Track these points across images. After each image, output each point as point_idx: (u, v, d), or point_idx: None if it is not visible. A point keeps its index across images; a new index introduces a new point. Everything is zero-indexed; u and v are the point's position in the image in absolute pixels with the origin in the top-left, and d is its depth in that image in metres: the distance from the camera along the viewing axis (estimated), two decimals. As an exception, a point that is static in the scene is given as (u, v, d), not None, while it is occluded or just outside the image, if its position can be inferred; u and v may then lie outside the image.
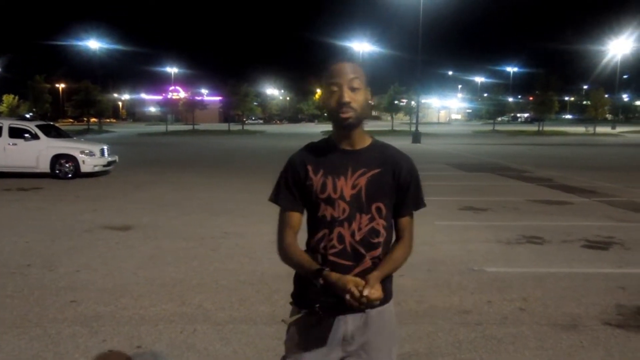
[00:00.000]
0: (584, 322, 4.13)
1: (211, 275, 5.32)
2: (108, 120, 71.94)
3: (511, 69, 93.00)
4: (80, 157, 13.27)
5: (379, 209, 1.79)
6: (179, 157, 21.54)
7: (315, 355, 1.78)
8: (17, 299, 4.64)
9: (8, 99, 48.99)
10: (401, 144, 25.65)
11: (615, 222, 8.05)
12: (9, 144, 13.22)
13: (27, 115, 43.49)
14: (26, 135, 13.35)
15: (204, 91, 64.64)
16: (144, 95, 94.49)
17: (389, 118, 56.57)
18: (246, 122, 58.14)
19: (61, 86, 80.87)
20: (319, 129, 46.41)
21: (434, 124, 74.84)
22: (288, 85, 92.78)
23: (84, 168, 13.28)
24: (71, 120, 64.82)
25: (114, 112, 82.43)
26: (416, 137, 31.62)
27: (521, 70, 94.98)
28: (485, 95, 64.46)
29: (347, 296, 1.60)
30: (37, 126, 13.80)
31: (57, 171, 13.20)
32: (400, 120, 61.70)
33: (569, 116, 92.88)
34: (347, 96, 1.72)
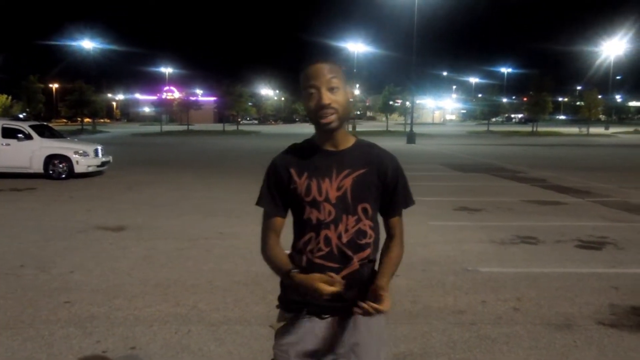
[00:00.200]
0: (578, 322, 4.15)
1: (206, 276, 5.31)
2: (102, 120, 71.58)
3: (505, 70, 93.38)
4: (74, 157, 13.21)
5: (365, 210, 1.76)
6: (174, 157, 21.48)
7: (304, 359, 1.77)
8: (10, 300, 4.61)
9: (1, 99, 48.65)
10: (396, 144, 25.86)
11: (609, 222, 8.09)
12: (2, 145, 13.14)
13: (21, 116, 43.30)
14: (19, 135, 13.29)
15: (199, 91, 64.50)
16: (138, 96, 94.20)
17: (384, 119, 56.67)
18: (241, 122, 58.05)
19: (55, 86, 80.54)
20: (314, 130, 46.40)
21: (428, 125, 74.96)
22: (283, 86, 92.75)
23: (78, 168, 13.22)
24: (65, 120, 64.42)
25: (108, 113, 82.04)
26: (411, 137, 31.67)
27: (515, 71, 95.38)
28: (480, 95, 64.68)
29: (320, 294, 1.58)
30: (31, 126, 13.73)
31: (51, 171, 13.13)
32: (395, 121, 61.81)
33: (562, 117, 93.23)
34: (327, 98, 1.68)
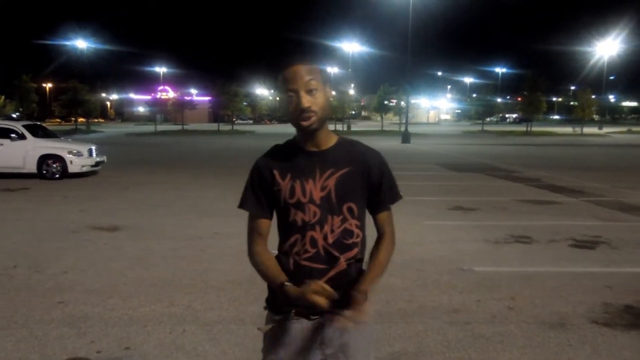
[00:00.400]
0: (572, 321, 4.17)
1: (200, 276, 5.30)
2: (96, 120, 71.28)
3: (499, 70, 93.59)
4: (67, 157, 13.15)
5: (350, 209, 1.75)
6: (168, 157, 21.42)
7: None
8: (3, 300, 4.59)
9: (-6, 98, 48.49)
10: (391, 144, 25.88)
11: (602, 221, 8.13)
12: (-5, 144, 13.07)
13: (14, 115, 43.12)
14: (12, 135, 13.21)
15: (193, 91, 64.35)
16: (132, 95, 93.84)
17: (379, 118, 56.75)
18: (236, 122, 57.97)
19: (48, 86, 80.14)
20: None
21: (423, 124, 75.07)
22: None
23: (72, 168, 13.16)
24: (58, 120, 64.20)
25: (102, 112, 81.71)
26: (406, 137, 31.71)
27: (509, 71, 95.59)
28: (474, 95, 64.85)
29: (316, 304, 1.60)
30: (24, 126, 13.66)
31: (44, 172, 13.07)
32: (390, 121, 61.97)
33: (556, 117, 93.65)
34: (306, 101, 1.66)
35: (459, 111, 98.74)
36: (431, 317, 4.24)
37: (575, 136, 41.96)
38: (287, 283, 1.67)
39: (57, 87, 61.98)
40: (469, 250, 6.35)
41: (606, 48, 57.26)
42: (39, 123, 16.45)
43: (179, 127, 51.58)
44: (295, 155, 1.77)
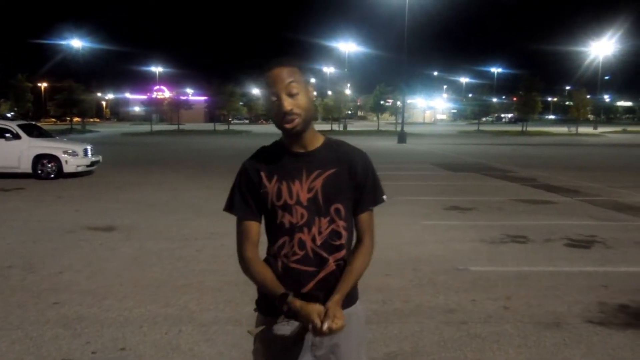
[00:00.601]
0: (567, 320, 4.18)
1: (196, 276, 5.29)
2: (91, 119, 71.14)
3: (495, 70, 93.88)
4: (63, 157, 13.10)
5: (337, 211, 1.73)
6: (164, 157, 21.37)
7: None
8: (-2, 301, 4.57)
9: (-11, 98, 48.29)
10: (387, 144, 25.89)
11: (598, 221, 8.16)
12: (-11, 144, 13.01)
13: (9, 115, 42.92)
14: (7, 135, 13.16)
15: (189, 91, 64.26)
16: (128, 95, 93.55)
17: (375, 118, 56.79)
18: (232, 121, 57.89)
19: (43, 85, 79.85)
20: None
21: (419, 124, 75.18)
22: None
23: (67, 168, 13.12)
24: (54, 119, 63.99)
25: (98, 112, 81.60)
26: (402, 137, 31.73)
27: (505, 71, 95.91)
28: (470, 95, 65.06)
29: (310, 327, 1.59)
30: (19, 126, 13.61)
31: (39, 171, 13.02)
32: (386, 121, 62.02)
33: (552, 116, 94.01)
34: (287, 104, 1.65)
35: (455, 111, 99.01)
36: (427, 317, 4.25)
37: (571, 136, 42.08)
38: (290, 295, 1.64)
39: (53, 87, 61.82)
40: (465, 250, 6.36)
41: (601, 48, 57.47)
42: (34, 123, 16.41)
43: (174, 127, 51.47)
44: (281, 156, 1.76)
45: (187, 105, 53.07)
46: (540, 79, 48.30)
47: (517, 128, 51.98)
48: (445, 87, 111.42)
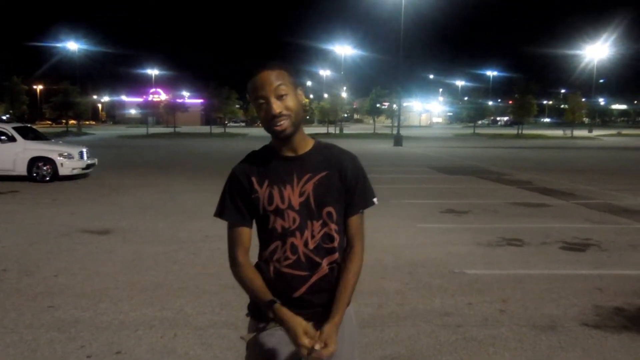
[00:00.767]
0: (563, 323, 4.19)
1: (192, 280, 5.28)
2: (87, 122, 70.93)
3: (491, 73, 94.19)
4: (58, 159, 13.06)
5: (329, 214, 1.73)
6: (160, 159, 21.34)
7: None
8: (-8, 304, 4.54)
9: (-16, 100, 48.08)
10: (383, 147, 25.87)
11: (593, 224, 8.18)
12: (-16, 147, 12.96)
13: (4, 117, 42.78)
14: (2, 137, 13.11)
15: (186, 93, 64.16)
16: (124, 98, 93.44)
17: (371, 121, 56.83)
18: (228, 124, 57.83)
19: (39, 88, 79.66)
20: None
21: (415, 127, 75.33)
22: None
23: (62, 171, 13.07)
24: (49, 122, 63.84)
25: (94, 114, 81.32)
26: (398, 140, 31.77)
27: (501, 74, 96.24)
28: (466, 98, 65.15)
29: (295, 344, 1.59)
30: (14, 128, 13.56)
31: (35, 174, 12.97)
32: (382, 124, 62.09)
33: (547, 119, 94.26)
34: (276, 107, 1.65)
35: (450, 114, 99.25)
36: (423, 320, 4.25)
37: (566, 139, 42.24)
38: (278, 302, 1.64)
39: (48, 89, 61.65)
40: (461, 253, 6.37)
41: (596, 51, 57.72)
42: (29, 125, 16.33)
43: (171, 130, 51.42)
44: (271, 161, 1.75)
45: (183, 108, 52.99)
46: (536, 82, 48.53)
47: (513, 131, 52.14)
48: (441, 90, 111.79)
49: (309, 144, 1.77)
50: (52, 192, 11.41)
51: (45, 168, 13.03)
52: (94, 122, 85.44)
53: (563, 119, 57.37)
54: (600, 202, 10.21)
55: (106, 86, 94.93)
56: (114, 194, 11.25)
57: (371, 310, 4.41)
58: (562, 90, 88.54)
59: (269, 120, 1.67)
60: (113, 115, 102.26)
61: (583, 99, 52.00)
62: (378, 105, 53.12)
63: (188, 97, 63.80)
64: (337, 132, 50.83)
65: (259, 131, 59.08)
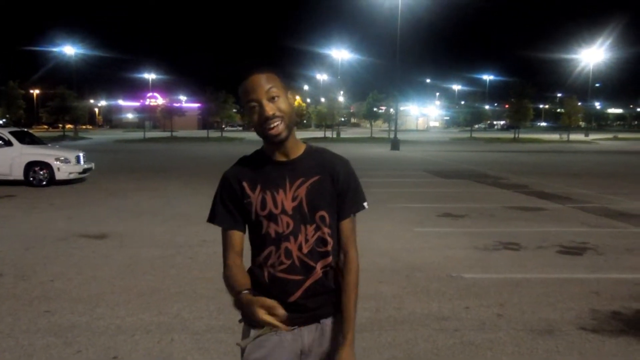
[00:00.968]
0: (560, 327, 4.20)
1: (189, 284, 5.26)
2: (84, 126, 70.82)
3: (487, 77, 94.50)
4: (55, 164, 13.04)
5: (322, 218, 1.73)
6: (157, 164, 21.31)
7: None
8: (-12, 309, 4.52)
9: (-20, 105, 47.92)
10: (380, 151, 25.89)
11: (589, 228, 8.20)
12: (-19, 151, 12.92)
13: (1, 122, 42.67)
14: (-1, 142, 13.09)
15: (183, 98, 64.19)
16: (121, 102, 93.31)
17: (368, 125, 56.89)
18: (225, 129, 57.83)
19: (36, 92, 79.49)
20: (298, 136, 46.24)
21: (412, 131, 75.48)
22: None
23: (59, 175, 13.05)
24: (46, 126, 63.66)
25: (90, 119, 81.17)
26: (395, 144, 31.82)
27: (497, 78, 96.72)
28: (463, 103, 65.36)
29: (257, 320, 1.50)
30: (11, 133, 13.53)
31: (31, 178, 12.94)
32: (379, 128, 62.10)
33: (543, 124, 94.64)
34: (269, 109, 1.64)
35: (447, 118, 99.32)
36: (421, 324, 4.25)
37: (562, 143, 42.35)
38: (244, 291, 1.59)
39: (45, 94, 61.53)
40: (458, 257, 6.38)
41: (591, 56, 58.01)
42: (26, 129, 16.29)
43: (167, 134, 51.35)
44: (264, 165, 1.75)
45: (180, 112, 53.00)
46: (532, 86, 48.69)
47: (509, 135, 52.26)
48: (437, 94, 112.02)
49: (300, 149, 1.78)
50: (48, 196, 11.39)
51: (42, 172, 13.00)
52: (90, 127, 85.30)
53: (559, 123, 57.61)
54: (596, 206, 10.24)
55: (103, 90, 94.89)
56: (111, 198, 11.23)
57: (369, 314, 4.41)
58: (559, 94, 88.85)
59: (261, 123, 1.67)
60: (110, 119, 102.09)
61: (579, 103, 52.25)
62: (375, 109, 53.18)
63: (185, 102, 63.88)
64: (334, 136, 50.83)
65: (255, 135, 59.02)
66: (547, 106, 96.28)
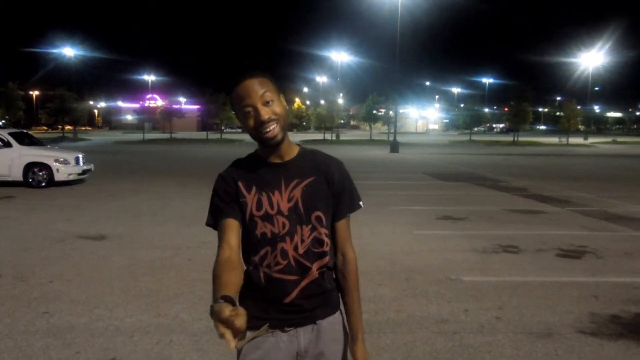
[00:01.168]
0: (559, 331, 4.20)
1: (188, 285, 5.26)
2: (83, 128, 70.86)
3: (487, 80, 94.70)
4: (54, 165, 13.04)
5: (318, 218, 1.74)
6: (156, 165, 21.31)
7: None
8: (-13, 310, 4.52)
9: (-21, 106, 47.89)
10: (379, 153, 25.90)
11: (588, 231, 8.20)
12: (-20, 152, 12.92)
13: (0, 123, 42.65)
14: (-2, 143, 13.08)
15: (182, 99, 64.20)
16: (120, 103, 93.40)
17: (367, 128, 56.92)
18: (224, 130, 57.85)
19: (35, 93, 79.51)
20: (298, 138, 46.45)
21: (412, 134, 75.54)
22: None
23: (58, 177, 13.05)
24: (45, 128, 63.66)
25: (90, 120, 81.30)
26: (394, 146, 31.83)
27: (496, 81, 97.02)
28: (462, 105, 65.44)
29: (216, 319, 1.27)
30: (10, 134, 13.53)
31: (30, 180, 12.94)
32: (379, 130, 62.16)
33: (543, 127, 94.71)
34: (265, 113, 1.65)
35: (447, 121, 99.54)
36: (420, 327, 4.25)
37: (561, 146, 42.41)
38: (220, 300, 1.38)
39: (44, 95, 61.51)
40: (458, 260, 6.38)
41: (591, 59, 58.14)
42: (25, 131, 16.30)
43: (167, 136, 51.37)
44: (258, 167, 1.76)
45: (180, 113, 53.01)
46: (532, 89, 48.83)
47: (509, 138, 52.35)
48: (437, 97, 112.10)
49: (294, 150, 1.79)
50: (47, 197, 11.38)
51: (41, 174, 13.00)
52: (90, 128, 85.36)
53: (558, 126, 57.62)
54: (595, 210, 10.24)
55: (102, 92, 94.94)
56: (110, 199, 11.22)
57: (367, 317, 4.40)
58: (558, 98, 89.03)
59: (257, 127, 1.68)
60: (109, 121, 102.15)
61: (578, 107, 52.31)
62: (374, 111, 53.23)
63: (184, 103, 63.85)
64: (334, 138, 50.86)
65: (255, 137, 59.05)
66: (546, 109, 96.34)
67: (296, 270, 1.71)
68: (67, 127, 51.69)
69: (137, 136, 51.56)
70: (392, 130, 38.81)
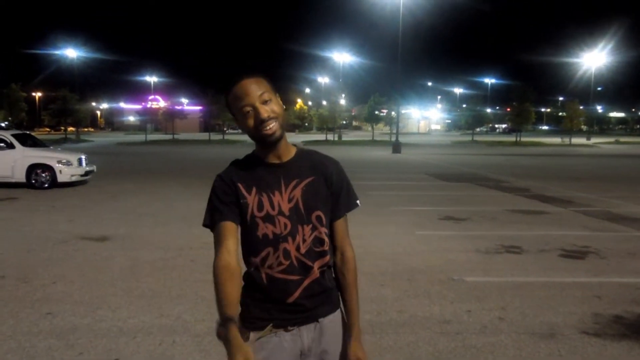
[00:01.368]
0: (562, 331, 4.19)
1: (191, 286, 5.27)
2: (86, 129, 70.93)
3: (489, 81, 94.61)
4: (57, 166, 13.06)
5: (319, 218, 1.75)
6: (158, 166, 21.34)
7: None
8: (-10, 311, 4.53)
9: (-18, 108, 48.02)
10: (382, 154, 25.90)
11: (591, 231, 8.19)
12: (-17, 154, 12.95)
13: (3, 124, 42.78)
14: (1, 144, 13.12)
15: (184, 100, 64.27)
16: (122, 105, 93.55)
17: (370, 128, 56.91)
18: (227, 131, 57.90)
19: (38, 95, 79.73)
20: (300, 139, 46.48)
21: (414, 134, 75.51)
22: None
23: (61, 178, 13.07)
24: (48, 129, 63.81)
25: (92, 121, 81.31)
26: (396, 147, 31.81)
27: (499, 82, 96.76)
28: (464, 106, 65.38)
29: None
30: (13, 135, 13.57)
31: (33, 181, 12.97)
32: (381, 131, 62.18)
33: (545, 127, 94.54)
34: (264, 112, 1.67)
35: (449, 121, 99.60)
36: (422, 328, 4.24)
37: (564, 146, 42.35)
38: (234, 322, 1.50)
39: (47, 96, 61.63)
40: (460, 260, 6.37)
41: (593, 60, 58.05)
42: (28, 132, 16.34)
43: (169, 137, 51.44)
44: (257, 168, 1.77)
45: (182, 115, 53.06)
46: (534, 89, 48.77)
47: (511, 138, 52.25)
48: (439, 97, 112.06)
49: (292, 151, 1.80)
50: (50, 198, 11.40)
51: (43, 175, 13.02)
52: (92, 129, 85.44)
53: (561, 126, 57.56)
54: (598, 210, 10.22)
55: (105, 93, 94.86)
56: (113, 200, 11.24)
57: (370, 317, 4.40)
58: (560, 98, 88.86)
59: (257, 126, 1.69)
60: (112, 122, 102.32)
61: (581, 107, 52.20)
62: (376, 112, 53.21)
63: (187, 104, 63.90)
64: (336, 139, 50.85)
65: (257, 138, 59.04)
66: (548, 110, 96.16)
67: (298, 270, 1.72)
68: (70, 129, 51.77)
69: (140, 137, 51.61)
70: (394, 131, 38.79)
